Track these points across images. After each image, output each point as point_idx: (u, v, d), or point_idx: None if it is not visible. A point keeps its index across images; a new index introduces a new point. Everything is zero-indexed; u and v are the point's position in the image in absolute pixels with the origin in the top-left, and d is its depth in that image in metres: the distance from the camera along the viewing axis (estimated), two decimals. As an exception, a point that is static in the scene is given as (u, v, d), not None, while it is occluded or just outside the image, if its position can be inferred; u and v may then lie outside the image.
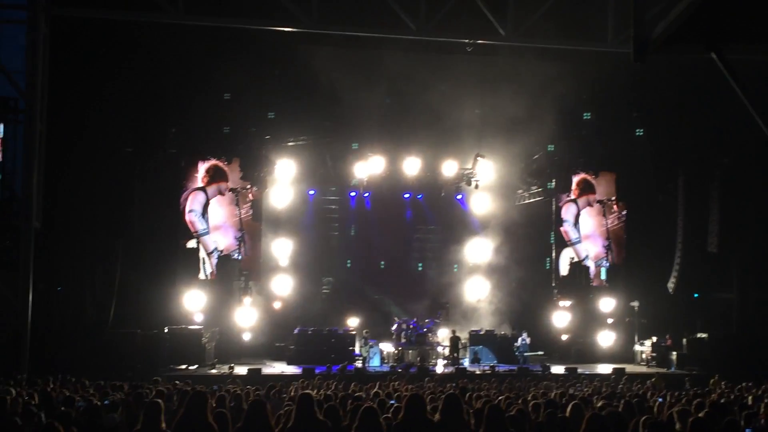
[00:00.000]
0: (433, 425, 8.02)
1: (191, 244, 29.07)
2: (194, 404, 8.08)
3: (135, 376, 20.24)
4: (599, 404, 11.93)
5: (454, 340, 28.29)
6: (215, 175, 29.34)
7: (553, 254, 32.14)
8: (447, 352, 28.23)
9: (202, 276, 28.94)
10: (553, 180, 31.18)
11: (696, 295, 30.90)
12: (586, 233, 31.71)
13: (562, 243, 31.82)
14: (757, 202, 28.74)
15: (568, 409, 9.42)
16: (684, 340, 28.55)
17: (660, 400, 13.84)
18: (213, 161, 29.22)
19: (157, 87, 26.39)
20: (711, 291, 30.64)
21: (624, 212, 31.82)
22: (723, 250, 29.65)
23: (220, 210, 29.51)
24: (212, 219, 29.23)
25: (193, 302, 27.78)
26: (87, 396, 13.10)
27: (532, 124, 27.25)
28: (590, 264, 31.58)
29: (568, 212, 31.65)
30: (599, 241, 31.61)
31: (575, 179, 31.36)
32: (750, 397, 14.70)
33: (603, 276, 31.57)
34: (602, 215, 31.44)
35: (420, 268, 32.94)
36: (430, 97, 26.86)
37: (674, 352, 28.21)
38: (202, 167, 29.10)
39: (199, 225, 29.23)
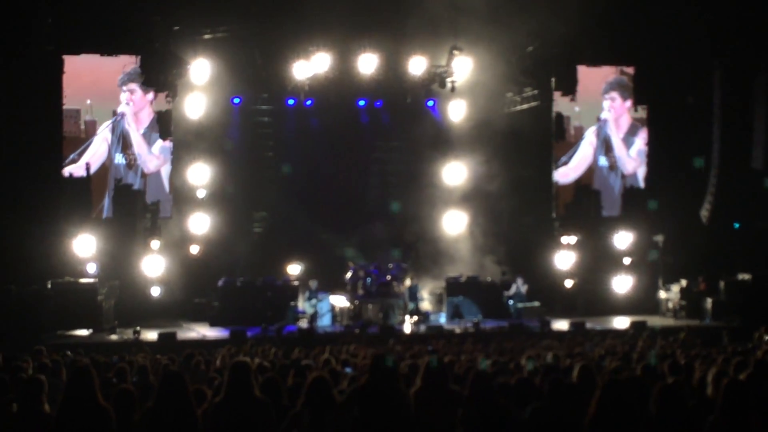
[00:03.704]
0: (407, 399, 8.07)
1: (78, 170, 28.81)
2: (75, 382, 8.04)
3: (9, 345, 20.16)
4: (612, 366, 12.10)
5: (412, 289, 28.44)
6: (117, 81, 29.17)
7: (554, 176, 32.27)
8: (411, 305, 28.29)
9: (96, 214, 28.76)
10: (553, 78, 31.11)
11: (737, 225, 31.29)
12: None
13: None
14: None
15: (575, 373, 9.53)
16: (721, 284, 28.98)
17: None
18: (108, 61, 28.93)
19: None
20: (756, 219, 31.01)
21: (644, 119, 32.11)
22: (771, 166, 30.05)
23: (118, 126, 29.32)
24: (104, 139, 29.01)
25: (84, 248, 27.58)
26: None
27: (526, 7, 27.05)
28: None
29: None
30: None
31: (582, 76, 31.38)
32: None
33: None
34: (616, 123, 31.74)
35: (381, 198, 32.88)
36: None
37: (709, 299, 28.70)
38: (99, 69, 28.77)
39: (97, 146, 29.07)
